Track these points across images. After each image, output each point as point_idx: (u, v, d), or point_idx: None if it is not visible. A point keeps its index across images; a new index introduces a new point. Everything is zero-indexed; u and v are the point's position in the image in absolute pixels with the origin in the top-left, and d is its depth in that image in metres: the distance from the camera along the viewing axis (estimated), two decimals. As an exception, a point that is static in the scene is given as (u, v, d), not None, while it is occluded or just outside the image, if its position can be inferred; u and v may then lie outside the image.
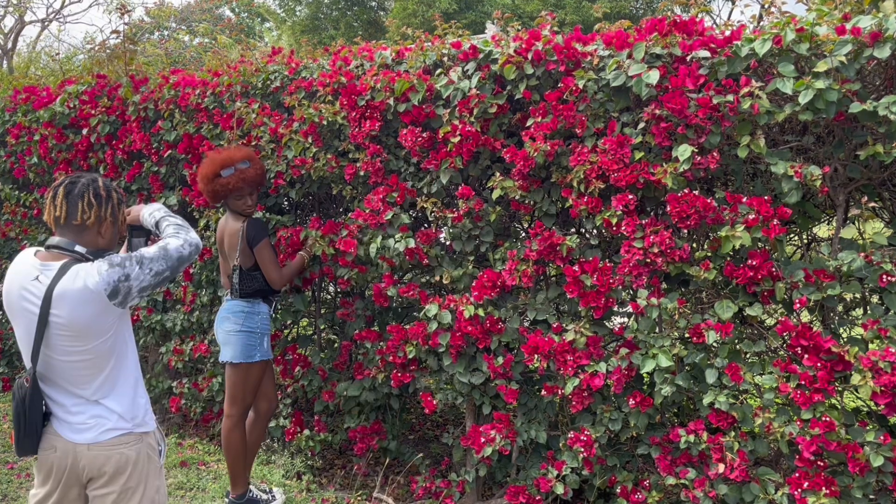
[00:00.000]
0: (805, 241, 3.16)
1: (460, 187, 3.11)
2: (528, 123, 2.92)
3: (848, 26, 2.35)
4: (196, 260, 4.07)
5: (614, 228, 2.73)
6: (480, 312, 3.02)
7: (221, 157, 3.24)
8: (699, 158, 2.56)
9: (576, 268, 2.80)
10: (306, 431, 3.74)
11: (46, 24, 16.90)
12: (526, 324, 3.06)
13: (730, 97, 2.47)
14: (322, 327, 4.06)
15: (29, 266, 1.96)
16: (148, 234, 2.42)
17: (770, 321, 2.94)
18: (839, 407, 2.51)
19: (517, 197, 2.97)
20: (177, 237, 2.10)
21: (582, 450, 2.80)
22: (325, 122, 3.43)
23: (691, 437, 2.59)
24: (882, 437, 2.32)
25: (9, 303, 1.99)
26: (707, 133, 2.56)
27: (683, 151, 2.55)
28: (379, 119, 3.30)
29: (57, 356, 1.95)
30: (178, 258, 2.05)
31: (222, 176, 3.22)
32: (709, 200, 2.56)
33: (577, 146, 2.81)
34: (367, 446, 3.60)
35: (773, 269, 2.50)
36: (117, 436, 2.00)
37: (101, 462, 1.98)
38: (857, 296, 2.60)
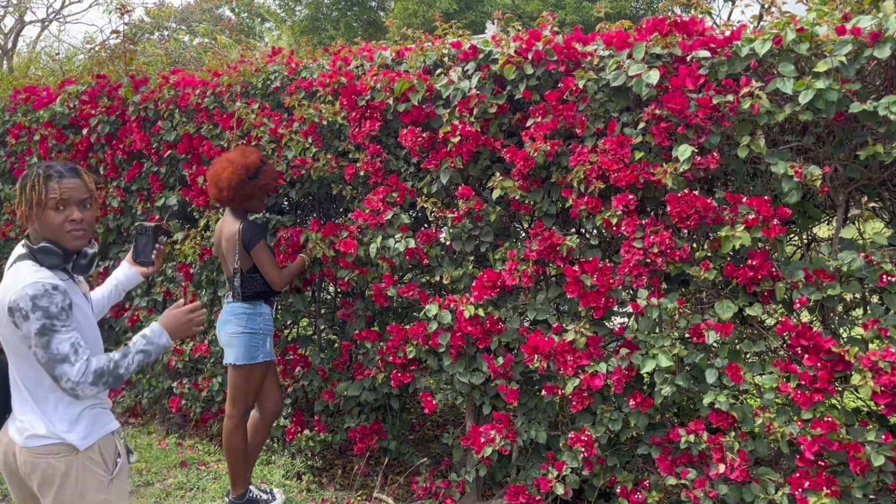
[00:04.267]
0: (805, 241, 3.16)
1: (460, 187, 3.11)
2: (528, 123, 2.91)
3: (848, 26, 2.35)
4: (196, 260, 4.07)
5: (614, 228, 2.73)
6: (480, 312, 3.02)
7: (244, 162, 3.23)
8: (699, 158, 2.56)
9: (576, 268, 2.80)
10: (306, 431, 3.74)
11: (46, 24, 16.90)
12: (526, 324, 3.06)
13: (730, 97, 2.47)
14: (322, 327, 4.05)
15: (14, 254, 2.00)
16: (155, 238, 2.38)
17: (770, 321, 2.94)
18: (839, 407, 2.51)
19: (517, 197, 2.97)
20: (104, 367, 1.87)
21: (582, 450, 2.79)
22: (325, 123, 3.43)
23: (691, 437, 2.59)
24: (883, 437, 2.33)
25: None
26: (707, 133, 2.56)
27: (683, 151, 2.55)
28: (379, 119, 3.30)
29: (7, 350, 1.94)
30: (58, 365, 1.81)
31: (258, 178, 3.26)
32: (709, 200, 2.56)
33: (577, 146, 2.81)
34: (367, 446, 3.60)
35: (773, 269, 2.50)
36: (45, 444, 1.90)
37: (29, 469, 1.92)
38: (857, 296, 2.60)
